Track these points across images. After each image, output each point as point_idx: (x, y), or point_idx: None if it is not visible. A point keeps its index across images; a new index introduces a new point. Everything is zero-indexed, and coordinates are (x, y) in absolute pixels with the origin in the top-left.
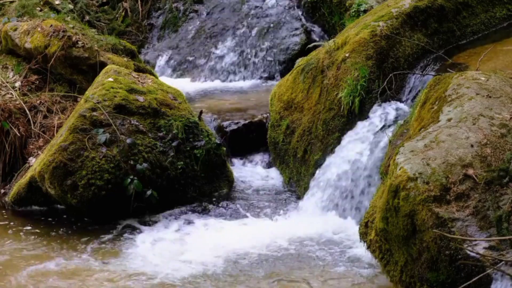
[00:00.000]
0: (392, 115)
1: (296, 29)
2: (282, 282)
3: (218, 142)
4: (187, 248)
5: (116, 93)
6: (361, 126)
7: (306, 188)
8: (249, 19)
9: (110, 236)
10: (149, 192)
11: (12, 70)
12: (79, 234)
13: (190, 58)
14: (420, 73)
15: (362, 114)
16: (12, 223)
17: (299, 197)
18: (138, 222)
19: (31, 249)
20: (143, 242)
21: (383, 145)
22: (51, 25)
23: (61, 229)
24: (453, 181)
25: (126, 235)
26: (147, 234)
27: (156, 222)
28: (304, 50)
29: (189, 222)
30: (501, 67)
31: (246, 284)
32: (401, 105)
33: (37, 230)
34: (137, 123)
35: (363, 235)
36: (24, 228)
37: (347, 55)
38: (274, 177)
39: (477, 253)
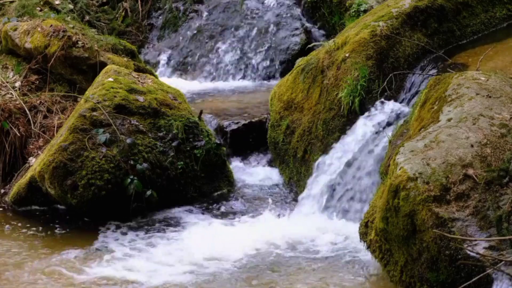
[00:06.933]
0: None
1: (296, 29)
2: (280, 283)
3: (218, 142)
4: (185, 249)
5: (116, 93)
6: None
7: (305, 188)
8: (249, 19)
9: (109, 236)
10: (149, 192)
11: (12, 70)
12: (79, 234)
13: (190, 58)
14: (420, 73)
15: (362, 114)
16: (12, 223)
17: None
18: (138, 222)
19: (31, 249)
20: (141, 243)
21: (383, 145)
22: (51, 25)
23: (61, 229)
24: (453, 181)
25: (125, 235)
26: (146, 235)
27: (155, 222)
28: (304, 50)
29: (189, 223)
30: (501, 67)
31: (244, 286)
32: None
33: (37, 231)
34: (137, 123)
35: (363, 235)
36: (24, 228)
37: (347, 55)
38: (274, 177)
39: (477, 253)
